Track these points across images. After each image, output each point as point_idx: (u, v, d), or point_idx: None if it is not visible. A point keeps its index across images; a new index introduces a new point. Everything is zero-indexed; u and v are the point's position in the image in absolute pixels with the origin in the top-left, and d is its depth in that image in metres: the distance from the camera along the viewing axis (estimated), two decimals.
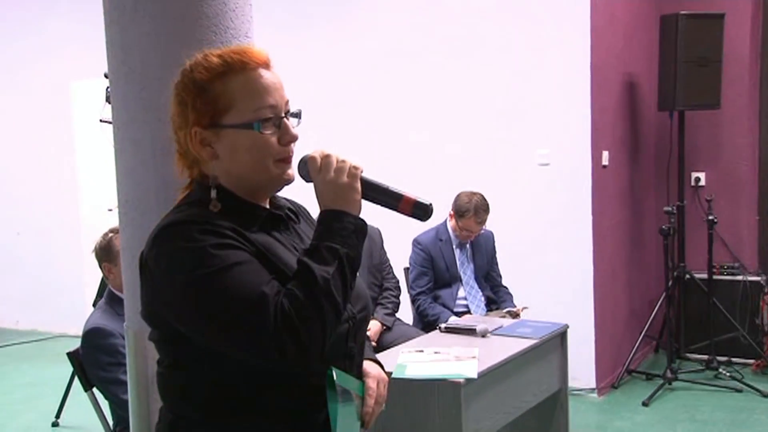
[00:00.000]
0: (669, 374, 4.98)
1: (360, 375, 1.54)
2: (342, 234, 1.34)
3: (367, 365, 1.59)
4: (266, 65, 1.42)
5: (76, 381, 3.26)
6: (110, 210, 2.48)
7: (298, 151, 1.47)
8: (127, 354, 2.43)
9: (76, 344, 3.12)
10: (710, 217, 5.18)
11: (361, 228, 1.38)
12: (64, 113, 6.79)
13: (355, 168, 1.40)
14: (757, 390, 4.84)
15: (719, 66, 5.10)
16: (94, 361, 2.97)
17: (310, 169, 1.41)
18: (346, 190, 1.38)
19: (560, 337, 3.87)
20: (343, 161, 1.40)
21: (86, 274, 6.18)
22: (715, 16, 5.10)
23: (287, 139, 1.41)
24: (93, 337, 2.98)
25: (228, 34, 2.32)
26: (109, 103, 2.47)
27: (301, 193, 1.60)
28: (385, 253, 4.49)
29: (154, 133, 2.24)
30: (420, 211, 1.45)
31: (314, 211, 1.50)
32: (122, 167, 2.39)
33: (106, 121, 2.46)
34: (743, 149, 5.57)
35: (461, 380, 3.04)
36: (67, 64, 6.64)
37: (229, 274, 1.27)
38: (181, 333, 1.35)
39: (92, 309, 4.69)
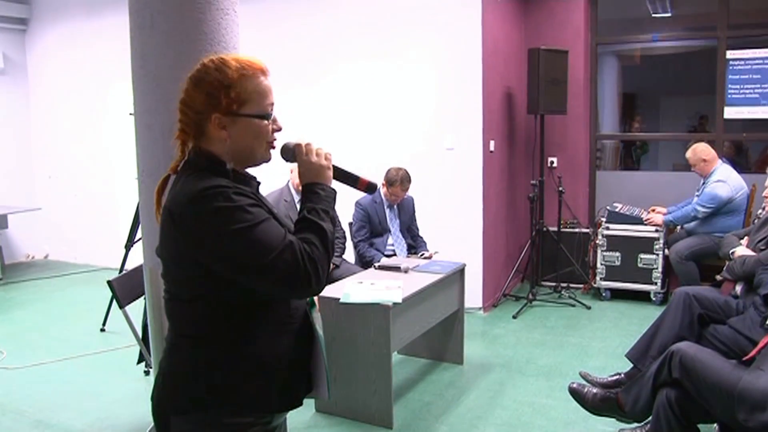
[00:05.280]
0: (530, 296, 4.96)
1: None
2: (327, 200, 1.32)
3: None
4: (266, 72, 1.33)
5: None
6: (136, 178, 2.31)
7: None
8: (144, 283, 2.35)
9: (115, 275, 3.08)
10: (560, 189, 5.14)
11: (335, 195, 1.36)
12: (106, 106, 6.40)
13: (329, 154, 1.37)
14: (584, 304, 4.89)
15: (565, 85, 5.04)
16: None
17: (296, 153, 1.35)
18: (324, 169, 1.35)
19: (459, 272, 3.81)
20: (320, 149, 1.36)
21: (121, 226, 5.87)
22: (563, 51, 5.04)
23: (276, 128, 1.35)
24: None
25: (220, 45, 2.21)
26: None
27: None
28: (335, 211, 4.21)
29: (163, 119, 2.12)
30: (370, 189, 1.47)
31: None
32: (140, 146, 2.27)
33: (133, 114, 2.34)
34: (580, 142, 5.52)
35: (390, 304, 2.97)
36: (107, 70, 6.19)
37: (262, 226, 1.20)
38: (204, 275, 1.22)
39: (124, 250, 4.40)
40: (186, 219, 1.20)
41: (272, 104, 1.32)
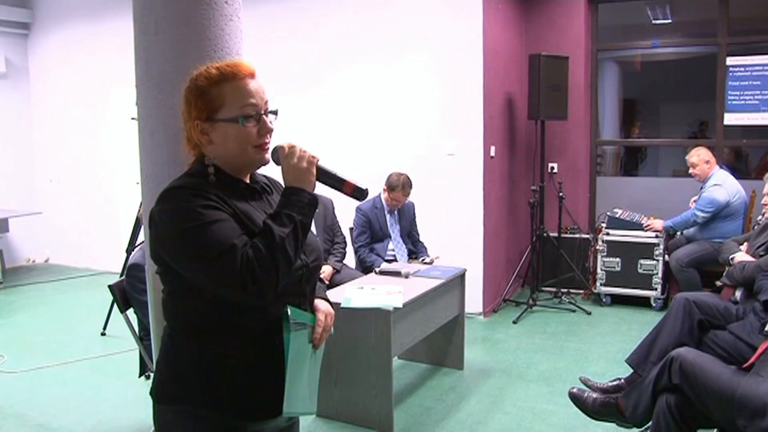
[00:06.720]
0: (531, 302, 4.97)
1: (312, 309, 1.43)
2: (298, 205, 1.28)
3: (319, 302, 1.47)
4: (252, 75, 1.33)
5: None
6: (137, 183, 2.34)
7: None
8: (147, 286, 2.36)
9: (116, 279, 3.12)
10: (560, 194, 5.16)
11: (313, 202, 1.30)
12: (108, 111, 6.45)
13: (313, 157, 1.33)
14: (584, 310, 4.90)
15: (566, 91, 5.06)
16: (132, 287, 2.95)
17: (279, 155, 1.32)
18: (304, 173, 1.31)
19: (460, 278, 3.82)
20: (304, 151, 1.32)
21: (122, 230, 5.95)
22: (563, 57, 5.07)
23: (264, 131, 1.33)
24: (132, 269, 2.96)
25: (224, 51, 2.22)
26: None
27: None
28: (336, 217, 4.33)
29: (167, 125, 2.13)
30: (358, 193, 1.37)
31: None
32: (143, 151, 2.27)
33: (135, 119, 2.34)
34: (580, 148, 5.54)
35: (390, 309, 2.98)
36: (108, 75, 6.25)
37: (210, 228, 1.21)
38: (169, 271, 1.29)
39: (125, 254, 4.42)
40: (152, 218, 1.28)
41: (255, 105, 1.30)
